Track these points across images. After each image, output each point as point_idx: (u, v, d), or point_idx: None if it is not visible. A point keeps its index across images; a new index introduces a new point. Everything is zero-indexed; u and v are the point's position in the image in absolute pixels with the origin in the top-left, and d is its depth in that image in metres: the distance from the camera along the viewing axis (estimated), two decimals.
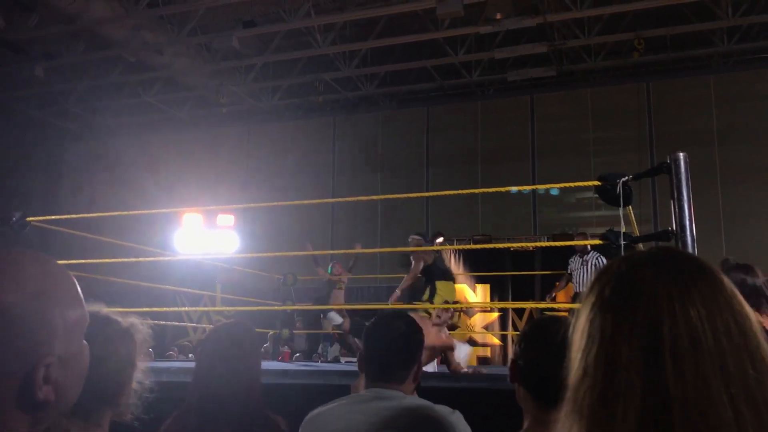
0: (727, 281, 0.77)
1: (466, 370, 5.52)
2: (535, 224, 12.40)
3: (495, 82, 13.14)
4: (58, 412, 0.87)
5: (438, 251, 6.83)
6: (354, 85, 13.22)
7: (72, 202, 13.52)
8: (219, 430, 1.97)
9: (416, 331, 1.98)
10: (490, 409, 2.66)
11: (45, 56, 11.57)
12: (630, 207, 3.39)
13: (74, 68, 12.35)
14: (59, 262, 0.92)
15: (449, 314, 5.85)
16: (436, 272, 6.67)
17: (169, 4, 10.07)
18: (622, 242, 3.04)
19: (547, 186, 12.53)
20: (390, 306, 6.55)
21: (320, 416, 1.89)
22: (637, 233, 4.29)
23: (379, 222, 13.07)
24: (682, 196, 2.76)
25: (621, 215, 3.18)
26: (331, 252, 9.83)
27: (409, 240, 6.87)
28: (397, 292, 6.97)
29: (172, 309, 8.30)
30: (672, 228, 2.76)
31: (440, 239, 7.45)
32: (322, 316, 8.39)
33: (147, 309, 4.92)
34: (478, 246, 9.83)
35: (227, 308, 8.52)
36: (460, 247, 10.12)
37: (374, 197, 12.73)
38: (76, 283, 0.91)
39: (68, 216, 5.54)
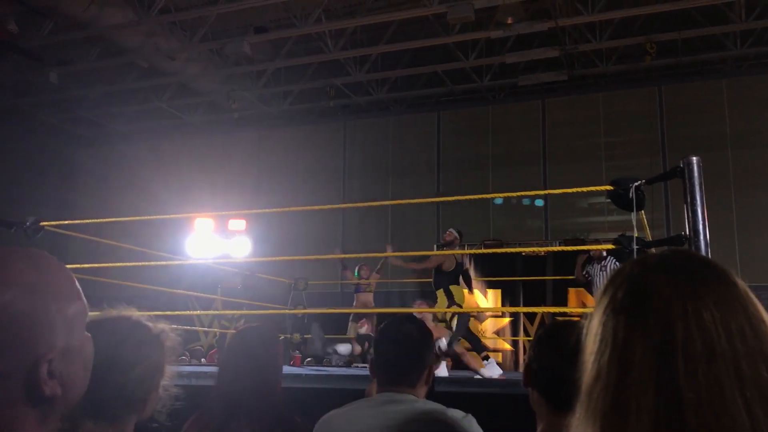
0: (741, 283, 0.77)
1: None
2: (546, 229, 12.34)
3: (506, 86, 13.10)
4: (66, 405, 0.88)
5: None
6: (365, 90, 13.24)
7: (85, 207, 13.61)
8: (242, 429, 2.00)
9: (426, 334, 1.98)
10: (503, 414, 2.65)
11: (59, 63, 11.67)
12: (642, 212, 3.37)
13: (88, 75, 12.45)
14: (71, 266, 0.92)
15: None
16: (462, 274, 7.55)
17: (182, 10, 10.14)
18: (635, 247, 3.03)
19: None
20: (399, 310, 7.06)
21: (333, 419, 1.90)
22: (650, 238, 4.26)
23: (390, 226, 13.06)
24: (696, 200, 2.75)
25: (633, 220, 3.17)
26: (362, 255, 9.83)
27: (446, 233, 7.81)
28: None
29: (183, 312, 8.33)
30: (685, 232, 2.75)
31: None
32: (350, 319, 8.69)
33: (159, 313, 4.93)
34: (490, 251, 9.80)
35: (234, 312, 8.54)
36: (472, 251, 10.10)
37: (385, 202, 12.73)
38: (73, 276, 0.91)
39: (81, 221, 5.58)
